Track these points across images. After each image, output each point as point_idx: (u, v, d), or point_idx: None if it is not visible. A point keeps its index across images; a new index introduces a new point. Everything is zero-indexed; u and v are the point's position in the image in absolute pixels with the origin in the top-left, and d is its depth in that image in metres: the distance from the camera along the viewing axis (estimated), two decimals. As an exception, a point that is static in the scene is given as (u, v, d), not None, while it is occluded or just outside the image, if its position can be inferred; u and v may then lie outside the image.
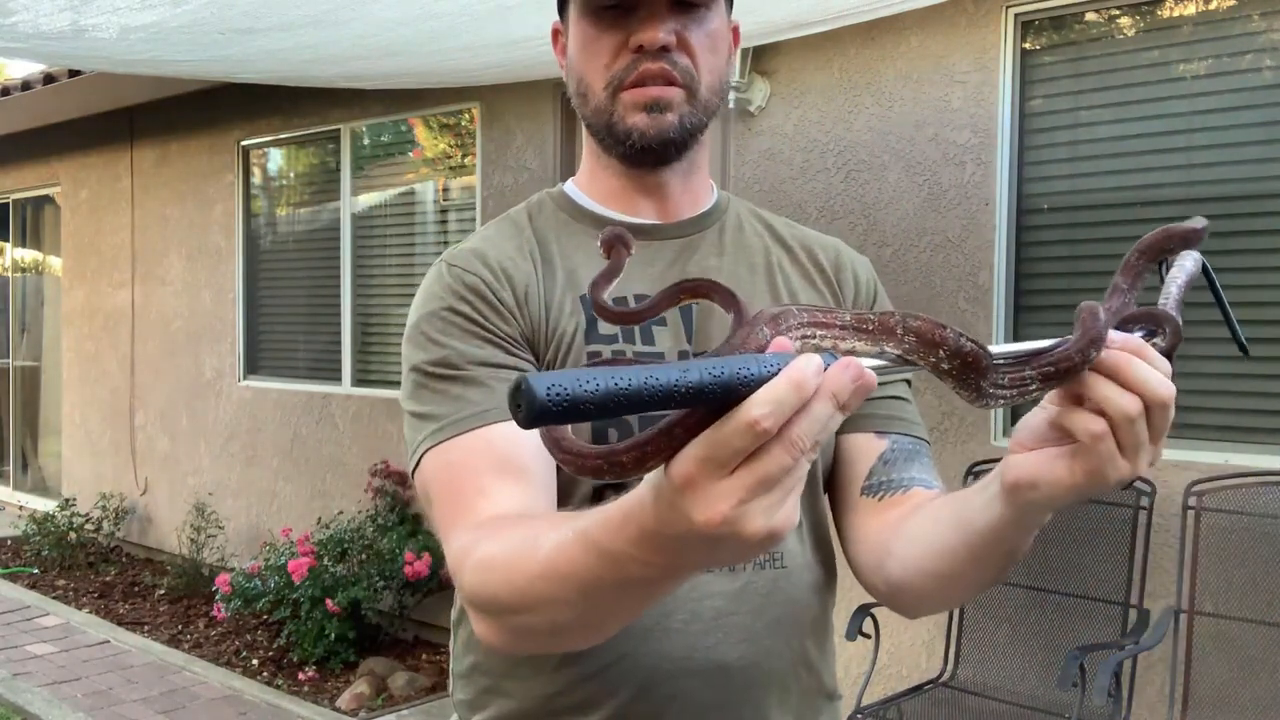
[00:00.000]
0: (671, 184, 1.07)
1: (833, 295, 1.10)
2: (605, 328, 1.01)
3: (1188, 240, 0.76)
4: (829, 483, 1.07)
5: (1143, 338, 0.71)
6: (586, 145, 1.10)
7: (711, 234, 1.09)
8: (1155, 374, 0.66)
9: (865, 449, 1.03)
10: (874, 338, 0.61)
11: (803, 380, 0.52)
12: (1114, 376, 0.65)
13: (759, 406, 0.52)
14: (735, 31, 1.09)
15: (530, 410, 0.48)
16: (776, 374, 0.52)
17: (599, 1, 0.99)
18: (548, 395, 0.48)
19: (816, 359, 0.53)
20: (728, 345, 0.56)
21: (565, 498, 0.99)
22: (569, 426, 0.59)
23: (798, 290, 1.08)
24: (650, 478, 0.59)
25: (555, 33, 1.10)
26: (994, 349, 0.62)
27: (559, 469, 0.96)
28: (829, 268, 1.11)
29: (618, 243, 0.87)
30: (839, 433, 1.04)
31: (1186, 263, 0.77)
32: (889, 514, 0.98)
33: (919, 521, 0.91)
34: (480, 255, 1.02)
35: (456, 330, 0.97)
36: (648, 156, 1.03)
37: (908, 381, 1.09)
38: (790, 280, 1.09)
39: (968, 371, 0.60)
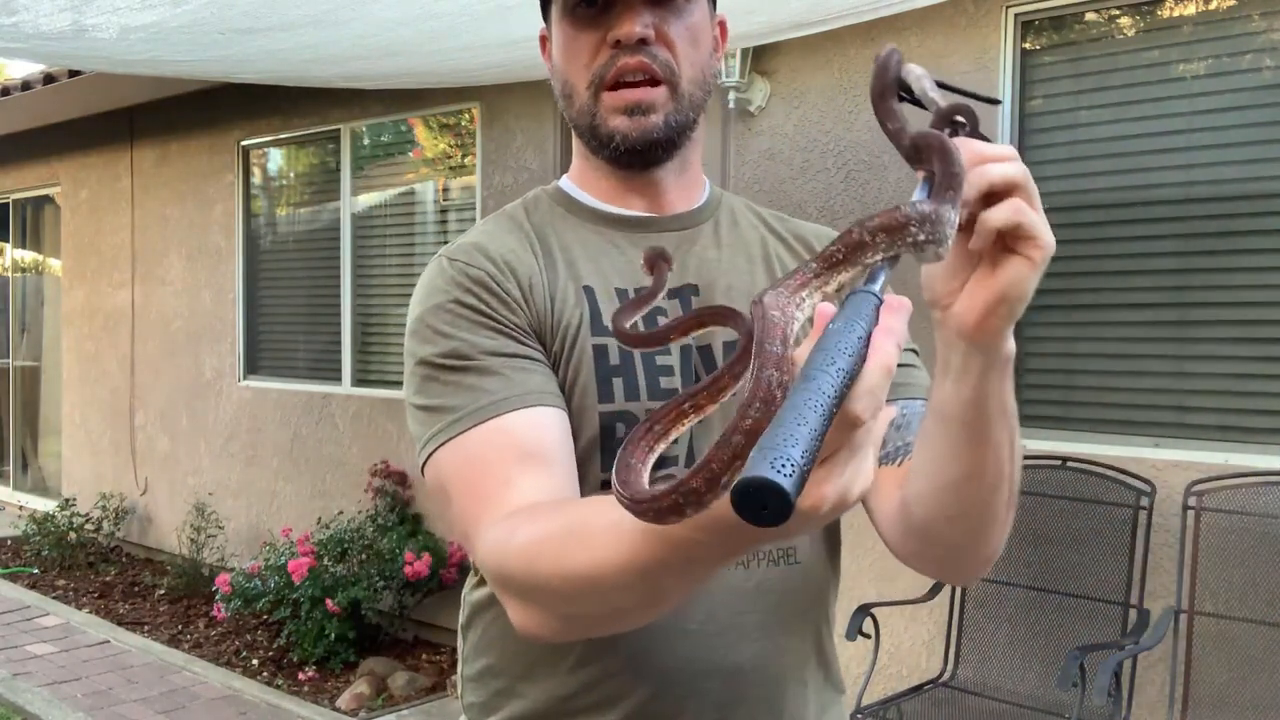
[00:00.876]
0: (665, 181, 1.07)
1: None
2: (608, 319, 1.00)
3: (890, 68, 0.78)
4: None
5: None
6: (575, 146, 1.09)
7: (708, 227, 1.09)
8: (997, 145, 0.70)
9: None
10: (852, 261, 0.62)
11: (890, 363, 0.54)
12: (985, 161, 0.68)
13: (860, 401, 0.53)
14: (722, 26, 1.08)
15: (784, 507, 0.47)
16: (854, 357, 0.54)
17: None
18: (782, 476, 0.47)
19: (890, 343, 0.55)
20: (759, 347, 0.56)
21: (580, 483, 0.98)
22: (631, 468, 0.62)
23: None
24: None
25: (542, 39, 1.10)
26: (919, 200, 0.65)
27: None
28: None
29: (660, 260, 0.87)
30: None
31: (914, 75, 0.79)
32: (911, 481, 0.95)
33: (916, 455, 0.88)
34: (482, 249, 1.01)
35: (465, 322, 0.95)
36: (634, 158, 1.03)
37: (915, 350, 1.07)
38: (789, 268, 1.08)
39: (937, 226, 0.62)
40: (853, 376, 0.53)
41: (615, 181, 1.07)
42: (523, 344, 0.96)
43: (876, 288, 0.60)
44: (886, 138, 0.75)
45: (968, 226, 0.68)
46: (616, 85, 0.99)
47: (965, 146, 0.68)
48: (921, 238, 0.62)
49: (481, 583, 1.06)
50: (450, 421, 0.92)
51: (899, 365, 1.02)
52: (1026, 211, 0.68)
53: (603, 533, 0.71)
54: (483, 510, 0.87)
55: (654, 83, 0.99)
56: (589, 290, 1.01)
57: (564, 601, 0.79)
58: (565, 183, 1.11)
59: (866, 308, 0.58)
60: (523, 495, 0.86)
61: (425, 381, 0.95)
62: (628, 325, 0.86)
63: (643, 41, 0.97)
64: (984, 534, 0.87)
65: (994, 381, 0.75)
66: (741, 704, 0.99)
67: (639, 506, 0.58)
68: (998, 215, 0.67)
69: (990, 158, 0.68)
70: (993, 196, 0.68)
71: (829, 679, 1.09)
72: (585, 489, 0.96)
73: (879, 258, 0.62)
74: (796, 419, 0.49)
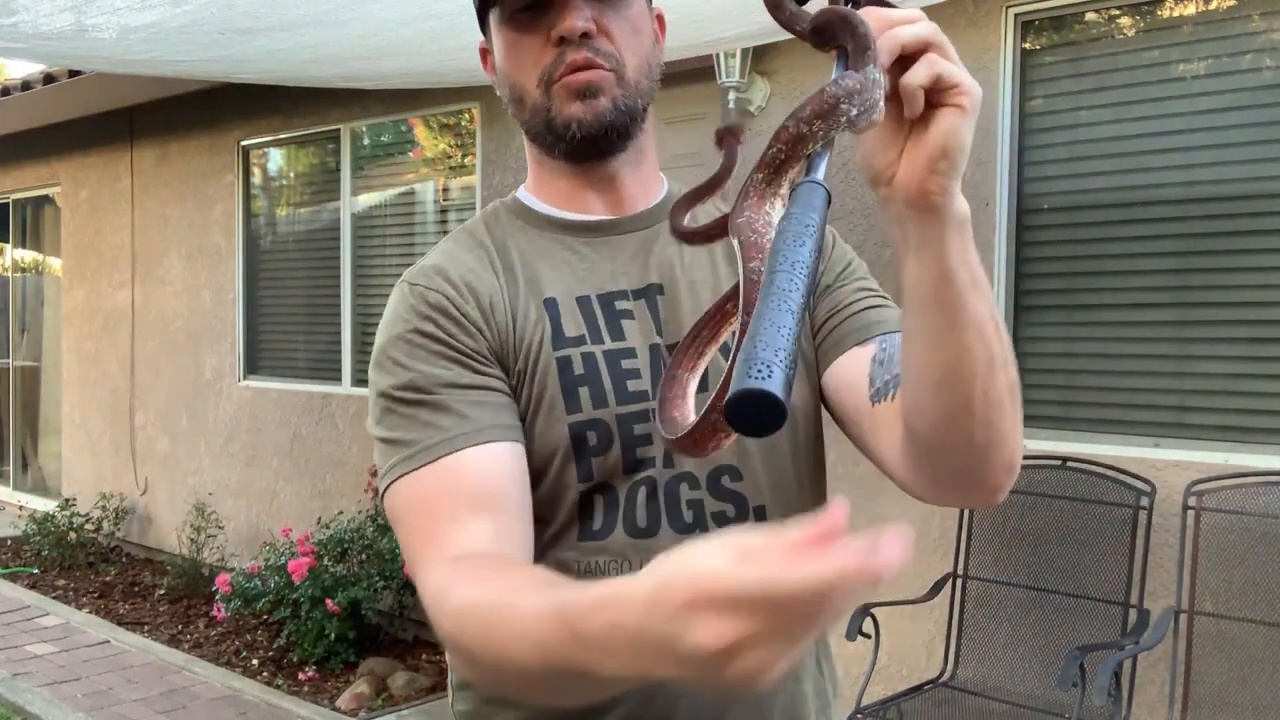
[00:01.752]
0: (622, 174, 1.06)
1: None
2: (571, 330, 1.00)
3: None
4: (846, 421, 1.01)
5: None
6: (529, 154, 1.09)
7: (666, 225, 1.07)
8: (901, 9, 0.71)
9: (855, 363, 0.99)
10: (795, 156, 0.64)
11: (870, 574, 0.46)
12: (892, 25, 0.69)
13: (832, 595, 0.46)
14: (660, 20, 1.09)
15: (776, 410, 0.49)
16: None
17: (516, 4, 1.00)
18: (763, 380, 0.49)
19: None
20: (743, 271, 0.60)
21: (551, 509, 0.98)
22: (669, 403, 0.65)
23: None
24: (653, 571, 0.54)
25: (483, 52, 1.11)
26: (840, 76, 0.65)
27: (535, 490, 0.96)
28: None
29: (729, 135, 0.86)
30: (822, 371, 1.03)
31: None
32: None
33: (901, 365, 0.86)
34: (441, 271, 1.01)
35: (422, 352, 0.96)
36: (590, 147, 1.02)
37: (885, 297, 1.05)
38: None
39: (866, 95, 0.63)
40: (813, 270, 0.55)
41: (572, 181, 1.06)
42: (480, 372, 0.97)
43: (820, 175, 0.62)
44: (784, 28, 0.74)
45: (893, 97, 0.69)
46: (565, 74, 1.00)
47: (868, 15, 0.68)
48: (854, 112, 0.63)
49: None
50: (404, 457, 0.93)
51: (860, 310, 1.02)
52: (942, 63, 0.69)
53: (527, 614, 0.69)
54: (428, 547, 0.88)
55: (598, 68, 1.00)
56: (550, 303, 1.02)
57: (483, 667, 0.79)
58: (522, 193, 1.11)
59: (816, 199, 0.59)
60: (470, 539, 0.87)
61: (385, 414, 0.96)
62: (684, 221, 0.85)
63: (585, 36, 0.98)
64: (994, 429, 0.82)
65: (955, 247, 0.75)
66: (736, 707, 0.99)
67: (681, 444, 0.62)
68: (918, 74, 0.68)
69: (897, 21, 0.69)
70: (907, 59, 0.69)
71: (827, 682, 1.09)
72: (561, 510, 0.98)
73: (819, 145, 0.63)
74: (768, 324, 0.51)
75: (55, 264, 7.64)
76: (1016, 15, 3.22)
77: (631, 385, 0.99)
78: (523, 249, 1.05)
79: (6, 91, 6.15)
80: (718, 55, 3.60)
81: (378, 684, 4.21)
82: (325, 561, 4.47)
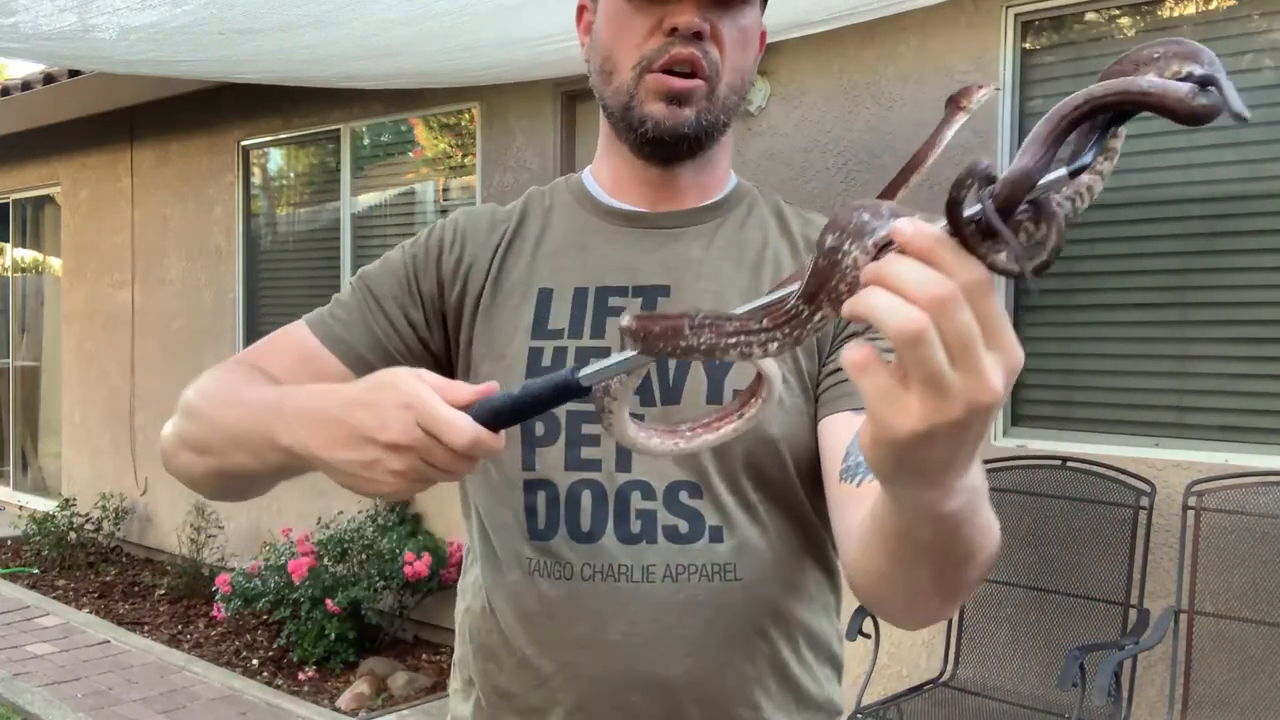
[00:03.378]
0: (682, 178, 1.05)
1: None
2: (555, 323, 1.01)
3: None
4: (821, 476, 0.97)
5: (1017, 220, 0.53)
6: (602, 129, 1.08)
7: (707, 227, 1.06)
8: (901, 296, 0.49)
9: (840, 431, 0.93)
10: (812, 311, 0.56)
11: None
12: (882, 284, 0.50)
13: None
14: (762, 36, 1.06)
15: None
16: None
17: None
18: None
19: None
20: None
21: (504, 496, 1.00)
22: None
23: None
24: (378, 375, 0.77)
25: (581, 9, 1.09)
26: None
27: (488, 472, 1.02)
28: None
29: (951, 104, 0.83)
30: (818, 419, 0.97)
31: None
32: (867, 504, 0.80)
33: (862, 530, 0.78)
34: (458, 221, 1.09)
35: (394, 263, 1.08)
36: (659, 149, 1.01)
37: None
38: (780, 275, 1.03)
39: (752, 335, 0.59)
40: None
41: (632, 171, 1.06)
42: (402, 315, 1.05)
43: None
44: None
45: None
46: (663, 70, 0.98)
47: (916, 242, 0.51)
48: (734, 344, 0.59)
49: (465, 573, 1.10)
50: (315, 313, 1.09)
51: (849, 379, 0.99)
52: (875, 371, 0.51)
53: (256, 386, 0.91)
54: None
55: (697, 72, 0.98)
56: (545, 293, 1.03)
57: (193, 421, 0.97)
58: (587, 172, 1.12)
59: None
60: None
61: (350, 283, 1.10)
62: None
63: (698, 35, 0.96)
64: (919, 615, 0.81)
65: (905, 521, 0.64)
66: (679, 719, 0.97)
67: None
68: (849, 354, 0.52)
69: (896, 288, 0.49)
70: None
71: (801, 697, 1.02)
72: (513, 485, 1.00)
73: (830, 313, 0.55)
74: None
75: (55, 264, 7.64)
76: (1016, 15, 3.22)
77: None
78: (552, 228, 1.08)
79: (6, 91, 6.15)
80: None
81: (378, 684, 4.21)
82: (325, 561, 4.47)
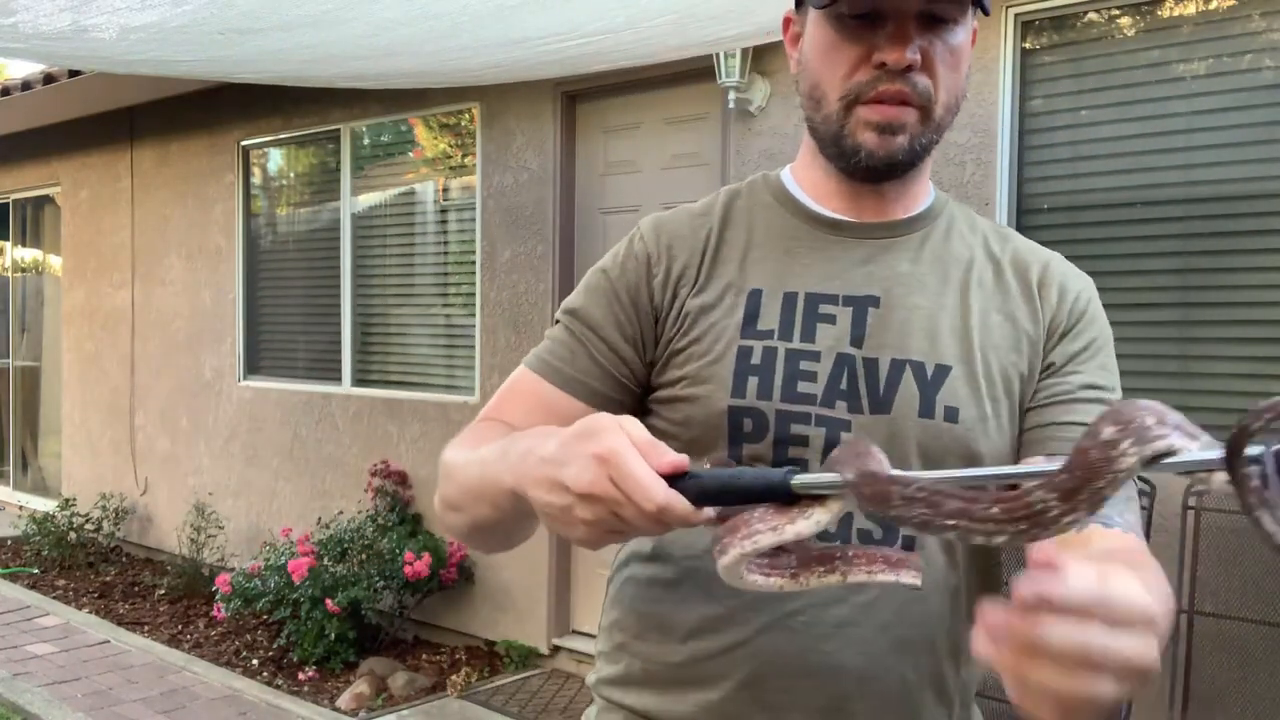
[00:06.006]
0: (889, 191, 1.05)
1: (1032, 311, 1.04)
2: (765, 323, 1.01)
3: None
4: None
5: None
6: (806, 138, 1.08)
7: (914, 239, 1.06)
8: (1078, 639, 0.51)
9: None
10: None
11: None
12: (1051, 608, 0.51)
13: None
14: (974, 32, 1.05)
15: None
16: None
17: (846, 9, 0.95)
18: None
19: None
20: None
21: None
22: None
23: (989, 311, 1.03)
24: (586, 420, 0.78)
25: (787, 21, 1.08)
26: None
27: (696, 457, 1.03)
28: (1034, 282, 1.05)
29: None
30: (1020, 456, 1.00)
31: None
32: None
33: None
34: (660, 227, 1.09)
35: (598, 291, 1.08)
36: (871, 175, 1.01)
37: (1093, 390, 1.04)
38: (986, 298, 1.03)
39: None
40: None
41: (838, 184, 1.06)
42: (619, 334, 1.06)
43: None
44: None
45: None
46: (873, 100, 0.98)
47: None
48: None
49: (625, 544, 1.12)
50: (535, 355, 1.10)
51: (1079, 423, 0.99)
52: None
53: (488, 444, 0.93)
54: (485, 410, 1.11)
55: (906, 102, 0.97)
56: (755, 293, 1.03)
57: (447, 484, 0.98)
58: (786, 173, 1.12)
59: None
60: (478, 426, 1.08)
61: (557, 320, 1.12)
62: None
63: (908, 69, 0.95)
64: None
65: None
66: (838, 712, 0.98)
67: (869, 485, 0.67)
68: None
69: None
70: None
71: (952, 713, 1.03)
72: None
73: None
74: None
75: (55, 264, 7.64)
76: (1016, 15, 3.22)
77: (802, 386, 0.99)
78: (758, 229, 1.07)
79: (6, 91, 6.15)
80: (718, 55, 3.60)
81: (378, 684, 4.21)
82: (325, 561, 4.47)
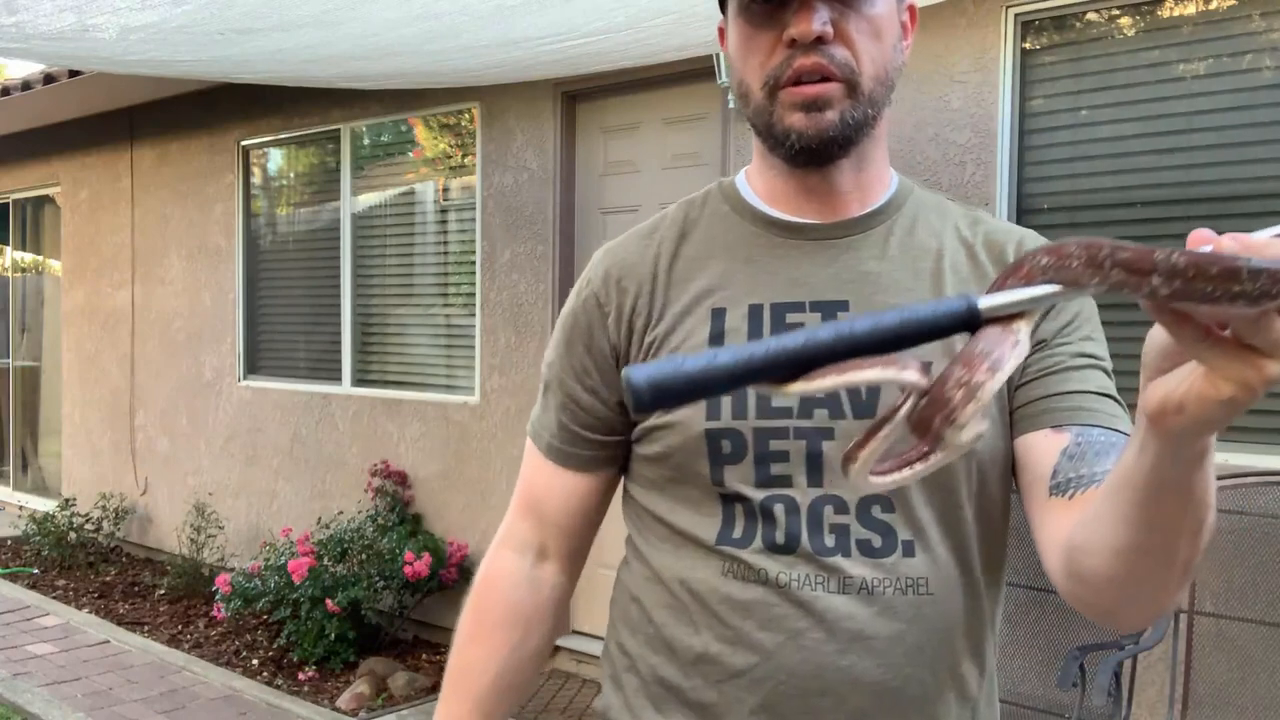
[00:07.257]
0: (840, 182, 1.02)
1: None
2: (732, 340, 0.99)
3: None
4: (1018, 492, 1.00)
5: None
6: (755, 141, 1.07)
7: (877, 235, 1.03)
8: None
9: (1044, 447, 0.94)
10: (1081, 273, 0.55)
11: None
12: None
13: None
14: (911, 11, 1.03)
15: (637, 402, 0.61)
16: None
17: None
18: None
19: None
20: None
21: (699, 505, 1.01)
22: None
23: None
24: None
25: (721, 32, 1.08)
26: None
27: (680, 485, 1.04)
28: (1010, 260, 1.02)
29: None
30: (1014, 435, 0.99)
31: None
32: (1081, 511, 0.85)
33: (1094, 503, 0.80)
34: (609, 255, 1.10)
35: (562, 334, 1.11)
36: (809, 157, 0.99)
37: (1106, 372, 1.01)
38: (961, 283, 1.02)
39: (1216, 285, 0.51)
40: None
41: (788, 183, 1.04)
42: (593, 378, 1.08)
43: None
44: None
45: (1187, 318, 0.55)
46: (793, 83, 0.96)
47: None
48: (1165, 292, 0.52)
49: (628, 566, 1.13)
50: (531, 422, 1.16)
51: (1076, 392, 0.98)
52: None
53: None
54: (508, 513, 1.18)
55: (829, 77, 0.95)
56: (718, 313, 1.01)
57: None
58: (741, 178, 1.10)
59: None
60: (522, 524, 1.16)
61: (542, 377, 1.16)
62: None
63: (820, 40, 0.94)
64: (1146, 602, 0.80)
65: (1175, 470, 0.65)
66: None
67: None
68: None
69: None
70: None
71: (975, 714, 1.03)
72: (707, 497, 1.01)
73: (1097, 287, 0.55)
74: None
75: (55, 264, 7.64)
76: (1016, 15, 3.22)
77: (776, 401, 0.97)
78: (716, 241, 1.06)
79: (6, 91, 6.15)
80: (718, 55, 3.60)
81: (378, 684, 4.21)
82: (325, 561, 4.47)
